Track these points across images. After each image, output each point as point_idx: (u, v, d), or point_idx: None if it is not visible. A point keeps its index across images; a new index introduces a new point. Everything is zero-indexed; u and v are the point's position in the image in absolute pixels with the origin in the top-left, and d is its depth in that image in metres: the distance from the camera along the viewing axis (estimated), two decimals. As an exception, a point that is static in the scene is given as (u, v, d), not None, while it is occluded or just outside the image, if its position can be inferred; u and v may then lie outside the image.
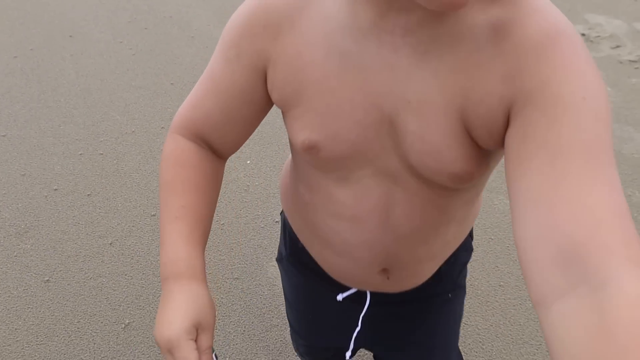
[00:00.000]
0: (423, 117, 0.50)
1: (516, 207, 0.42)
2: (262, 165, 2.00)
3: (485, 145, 0.51)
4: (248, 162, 2.00)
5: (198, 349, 0.52)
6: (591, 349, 0.33)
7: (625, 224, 0.36)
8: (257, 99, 0.59)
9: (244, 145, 2.12)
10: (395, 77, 0.50)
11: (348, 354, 0.88)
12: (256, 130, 2.15)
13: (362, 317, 0.81)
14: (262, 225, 1.77)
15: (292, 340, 1.08)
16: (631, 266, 0.34)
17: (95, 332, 1.47)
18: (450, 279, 0.81)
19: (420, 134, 0.51)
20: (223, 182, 1.95)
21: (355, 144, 0.55)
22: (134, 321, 1.50)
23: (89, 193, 1.86)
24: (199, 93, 0.61)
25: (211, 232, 1.74)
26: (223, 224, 1.78)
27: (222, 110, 0.60)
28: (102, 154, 2.01)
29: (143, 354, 1.43)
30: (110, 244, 1.70)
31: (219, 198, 0.65)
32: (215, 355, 0.67)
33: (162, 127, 2.14)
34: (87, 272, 1.62)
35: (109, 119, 2.17)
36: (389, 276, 0.70)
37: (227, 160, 0.69)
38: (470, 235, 0.81)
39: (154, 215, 1.79)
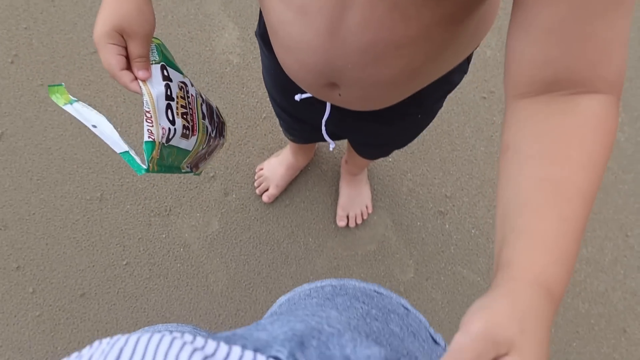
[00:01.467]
0: None
1: (526, 26, 0.40)
2: None
3: None
4: None
5: (129, 56, 0.54)
6: (541, 138, 0.40)
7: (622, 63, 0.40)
8: None
9: None
10: None
11: (329, 143, 0.88)
12: None
13: (325, 121, 0.80)
14: (98, -11, 1.57)
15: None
16: (608, 95, 0.40)
17: (-29, 153, 1.40)
18: (423, 107, 0.76)
19: None
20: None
21: None
22: (7, 129, 1.43)
23: None
24: None
25: None
26: None
27: None
28: None
29: (33, 154, 1.41)
30: None
31: None
32: (202, 97, 0.66)
33: None
34: None
35: None
36: (340, 93, 0.63)
37: None
38: (467, 60, 0.70)
39: (-32, 16, 1.52)
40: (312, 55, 0.56)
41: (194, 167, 0.72)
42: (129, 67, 0.55)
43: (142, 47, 0.55)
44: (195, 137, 0.64)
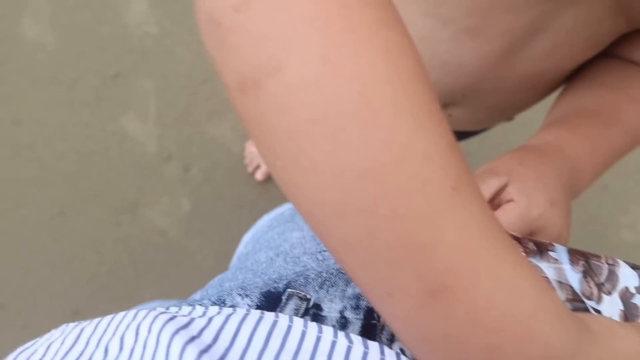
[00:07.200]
0: None
1: None
2: None
3: None
4: None
5: None
6: (622, 76, 0.43)
7: None
8: None
9: None
10: None
11: None
12: None
13: None
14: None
15: None
16: None
17: None
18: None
19: None
20: None
21: None
22: (-64, 171, 1.32)
23: None
24: None
25: None
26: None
27: None
28: None
29: (-27, 189, 1.31)
30: None
31: None
32: None
33: None
34: None
35: None
36: (452, 114, 0.54)
37: None
38: None
39: None
40: (456, 77, 0.46)
41: None
42: None
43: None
44: None
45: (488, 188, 0.35)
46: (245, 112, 0.21)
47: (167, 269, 1.34)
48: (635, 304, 0.31)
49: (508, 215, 0.34)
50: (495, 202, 0.35)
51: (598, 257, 0.33)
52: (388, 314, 0.21)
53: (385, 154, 0.19)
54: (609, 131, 0.40)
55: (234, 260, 0.58)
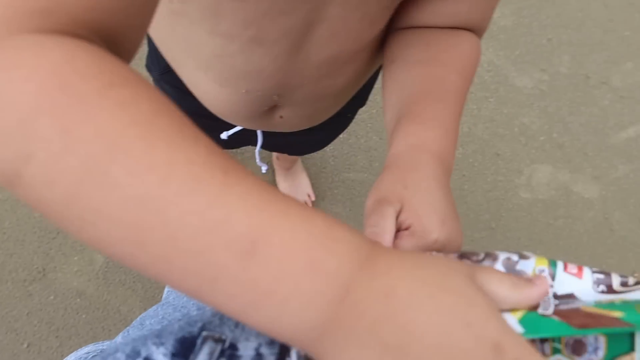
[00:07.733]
0: None
1: None
2: None
3: None
4: None
5: None
6: (427, 47, 0.47)
7: None
8: None
9: None
10: None
11: (261, 166, 0.83)
12: None
13: (258, 151, 0.74)
14: None
15: None
16: None
17: None
18: (352, 106, 0.73)
19: None
20: None
21: None
22: None
23: None
24: None
25: None
26: None
27: None
28: None
29: None
30: None
31: None
32: None
33: None
34: None
35: None
36: (282, 115, 0.59)
37: None
38: None
39: None
40: (263, 81, 0.51)
41: None
42: None
43: None
44: None
45: (391, 219, 0.34)
46: (25, 198, 0.23)
47: (92, 329, 1.27)
48: (521, 270, 0.32)
49: (404, 248, 0.34)
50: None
51: (475, 252, 0.35)
52: (218, 303, 0.24)
53: (154, 175, 0.22)
54: (447, 104, 0.43)
55: (164, 293, 0.58)
